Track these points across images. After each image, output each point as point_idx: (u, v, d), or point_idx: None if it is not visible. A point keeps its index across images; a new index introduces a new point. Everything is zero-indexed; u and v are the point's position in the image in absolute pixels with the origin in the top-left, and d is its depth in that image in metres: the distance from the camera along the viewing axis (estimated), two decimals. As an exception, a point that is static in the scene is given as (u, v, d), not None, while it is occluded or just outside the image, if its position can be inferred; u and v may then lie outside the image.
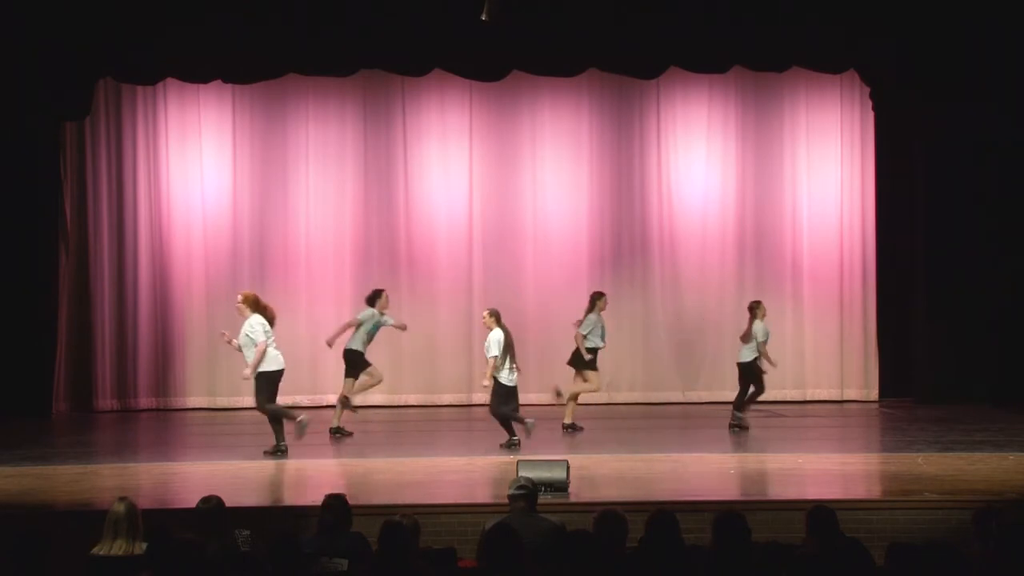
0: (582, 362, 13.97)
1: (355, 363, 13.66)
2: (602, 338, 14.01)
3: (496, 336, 12.52)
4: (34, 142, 15.34)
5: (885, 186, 16.52)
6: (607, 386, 16.63)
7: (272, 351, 12.26)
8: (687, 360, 16.69)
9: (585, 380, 14.07)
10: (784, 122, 16.72)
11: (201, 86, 15.89)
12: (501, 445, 12.43)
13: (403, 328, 14.38)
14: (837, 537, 6.74)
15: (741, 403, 13.96)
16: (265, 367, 12.20)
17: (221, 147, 16.55)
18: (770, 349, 14.21)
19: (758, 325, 13.95)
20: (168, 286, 16.44)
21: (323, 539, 7.24)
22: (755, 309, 14.06)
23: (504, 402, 12.56)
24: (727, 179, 16.73)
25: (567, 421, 13.89)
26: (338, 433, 13.44)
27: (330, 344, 13.90)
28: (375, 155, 16.67)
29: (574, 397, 14.03)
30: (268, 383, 12.26)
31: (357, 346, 13.66)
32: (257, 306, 12.37)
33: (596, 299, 14.11)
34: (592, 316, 13.98)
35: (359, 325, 13.71)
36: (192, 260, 16.48)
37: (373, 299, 13.94)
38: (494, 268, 16.60)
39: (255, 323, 12.21)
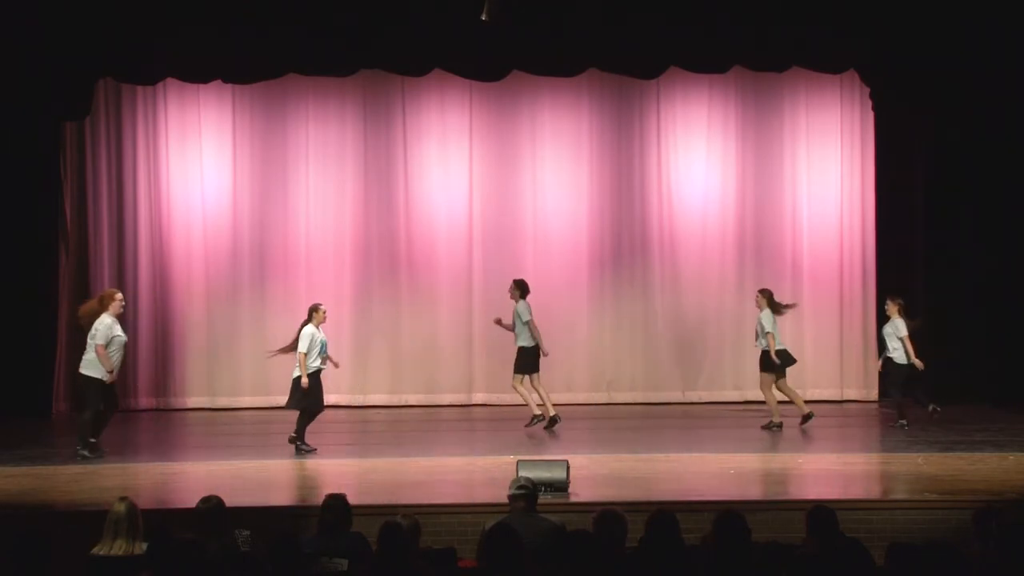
0: (774, 365, 14.02)
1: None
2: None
3: (309, 331, 12.58)
4: (34, 142, 15.34)
5: (885, 186, 16.52)
6: (608, 386, 16.67)
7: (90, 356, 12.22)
8: (687, 360, 16.69)
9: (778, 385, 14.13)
10: (784, 122, 16.72)
11: (201, 86, 15.89)
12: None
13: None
14: (837, 537, 6.75)
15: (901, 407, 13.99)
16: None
17: (221, 147, 16.55)
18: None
19: (897, 322, 14.03)
20: (168, 286, 16.44)
21: (323, 539, 7.25)
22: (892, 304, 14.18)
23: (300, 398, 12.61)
24: (727, 179, 16.73)
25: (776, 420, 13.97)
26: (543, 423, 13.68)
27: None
28: (375, 155, 16.67)
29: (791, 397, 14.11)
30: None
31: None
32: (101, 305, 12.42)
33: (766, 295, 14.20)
34: (768, 313, 14.01)
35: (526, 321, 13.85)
36: (192, 260, 16.47)
37: (526, 289, 14.06)
38: (494, 268, 16.58)
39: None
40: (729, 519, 6.52)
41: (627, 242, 16.76)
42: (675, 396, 16.58)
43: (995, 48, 14.62)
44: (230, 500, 7.76)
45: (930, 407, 13.87)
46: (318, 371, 12.66)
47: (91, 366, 12.23)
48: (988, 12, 14.52)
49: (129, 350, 16.22)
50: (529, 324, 13.90)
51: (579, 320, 16.64)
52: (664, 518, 6.72)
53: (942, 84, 14.63)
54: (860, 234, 16.64)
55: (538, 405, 13.84)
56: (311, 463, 12.09)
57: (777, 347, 14.05)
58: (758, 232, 16.71)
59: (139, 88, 16.05)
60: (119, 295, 12.71)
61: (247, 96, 16.41)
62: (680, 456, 12.21)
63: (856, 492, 10.78)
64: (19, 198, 15.31)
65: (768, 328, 14.01)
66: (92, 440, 12.16)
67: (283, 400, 16.13)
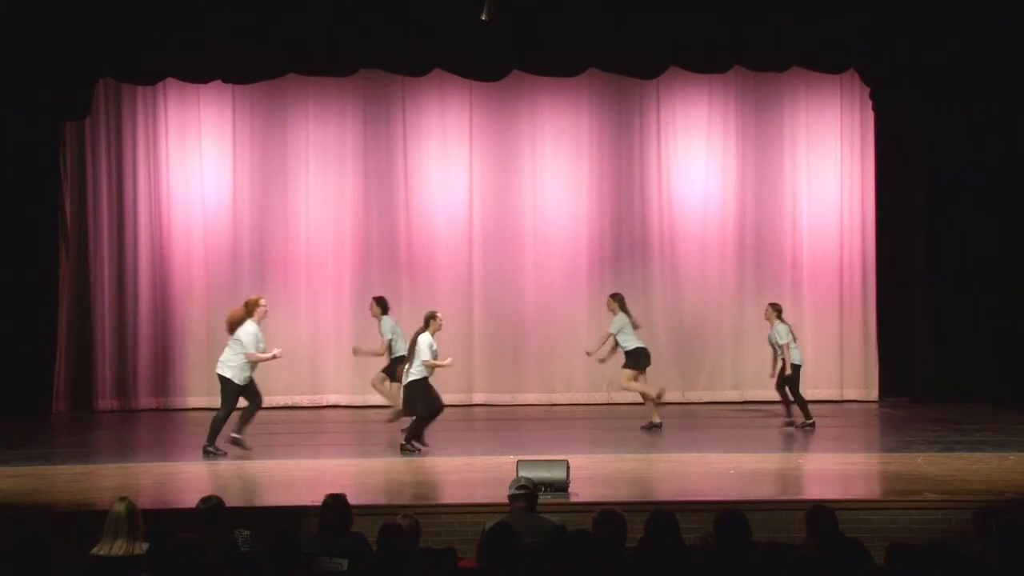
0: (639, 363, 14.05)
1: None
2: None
3: (426, 340, 12.51)
4: (34, 142, 15.35)
5: (885, 186, 16.54)
6: (607, 386, 16.67)
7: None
8: (687, 360, 16.68)
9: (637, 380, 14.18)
10: (784, 122, 16.72)
11: (201, 86, 15.89)
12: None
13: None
14: (837, 537, 6.75)
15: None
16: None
17: (221, 147, 16.55)
18: (769, 348, 14.28)
19: (781, 327, 14.06)
20: (168, 286, 16.43)
21: (323, 539, 7.24)
22: (772, 310, 14.22)
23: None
24: (727, 179, 16.73)
25: (656, 420, 13.95)
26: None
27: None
28: (375, 155, 16.67)
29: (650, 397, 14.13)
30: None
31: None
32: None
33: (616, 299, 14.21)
34: (621, 316, 14.02)
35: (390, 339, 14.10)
36: (192, 260, 16.47)
37: (386, 306, 14.29)
38: (494, 268, 16.60)
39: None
40: (729, 519, 6.52)
41: (627, 242, 16.77)
42: (675, 396, 16.55)
43: (995, 47, 14.62)
44: (230, 500, 7.76)
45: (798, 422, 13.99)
46: (426, 378, 12.50)
47: (228, 367, 12.20)
48: (989, 12, 14.52)
49: (129, 350, 16.33)
50: (393, 340, 14.01)
51: (579, 320, 16.63)
52: (664, 518, 6.72)
53: (942, 84, 14.63)
54: (860, 234, 16.65)
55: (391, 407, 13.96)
56: (310, 463, 12.08)
57: (639, 345, 14.01)
58: (758, 232, 16.71)
59: (139, 88, 16.05)
60: (263, 301, 12.59)
61: (247, 96, 16.41)
62: (680, 456, 12.20)
63: (856, 492, 10.77)
64: (19, 198, 15.32)
65: (616, 330, 14.00)
66: (236, 435, 12.15)
67: (282, 400, 16.24)
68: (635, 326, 14.12)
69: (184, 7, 13.97)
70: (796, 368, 13.97)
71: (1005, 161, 15.58)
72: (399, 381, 13.67)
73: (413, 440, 12.30)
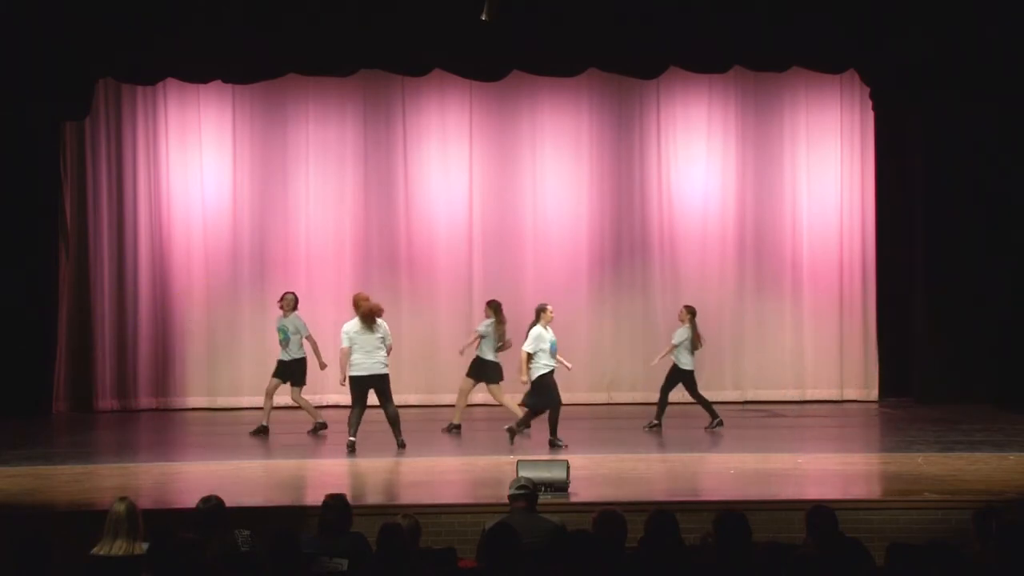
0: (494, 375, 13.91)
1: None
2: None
3: (536, 332, 12.59)
4: (34, 142, 15.36)
5: (885, 186, 16.54)
6: (608, 386, 16.67)
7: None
8: (687, 360, 16.66)
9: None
10: (784, 122, 16.73)
11: (201, 86, 15.89)
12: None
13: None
14: (837, 537, 6.75)
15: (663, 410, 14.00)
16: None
17: (221, 147, 16.56)
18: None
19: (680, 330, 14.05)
20: (168, 286, 16.44)
21: (323, 539, 7.24)
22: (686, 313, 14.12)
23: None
24: (727, 179, 16.74)
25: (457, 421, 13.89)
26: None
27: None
28: (375, 155, 16.68)
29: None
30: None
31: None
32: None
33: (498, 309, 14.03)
34: (491, 324, 13.90)
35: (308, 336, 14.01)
36: (192, 260, 16.48)
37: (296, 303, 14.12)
38: (494, 268, 16.60)
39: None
40: (729, 519, 6.52)
41: (627, 242, 16.77)
42: (675, 396, 16.52)
43: (995, 47, 14.61)
44: (230, 500, 7.76)
45: (655, 422, 13.94)
46: (551, 371, 12.60)
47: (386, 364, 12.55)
48: (988, 12, 14.51)
49: (129, 350, 16.34)
50: (310, 338, 13.99)
51: (579, 320, 16.63)
52: (664, 518, 6.72)
53: (942, 84, 14.63)
54: (860, 234, 16.66)
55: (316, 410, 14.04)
56: (311, 463, 12.08)
57: (493, 359, 13.88)
58: (758, 232, 16.72)
59: (139, 88, 16.06)
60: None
61: (247, 96, 16.41)
62: (680, 456, 12.21)
63: (856, 492, 10.78)
64: (19, 198, 15.32)
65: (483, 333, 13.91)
66: (399, 438, 12.39)
67: (283, 400, 16.22)
68: (501, 342, 13.82)
69: (184, 7, 13.96)
70: (688, 373, 13.94)
71: (1004, 160, 15.57)
72: (288, 381, 13.79)
73: (523, 426, 12.57)
